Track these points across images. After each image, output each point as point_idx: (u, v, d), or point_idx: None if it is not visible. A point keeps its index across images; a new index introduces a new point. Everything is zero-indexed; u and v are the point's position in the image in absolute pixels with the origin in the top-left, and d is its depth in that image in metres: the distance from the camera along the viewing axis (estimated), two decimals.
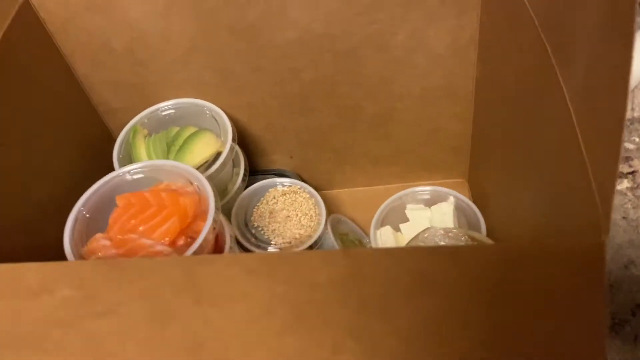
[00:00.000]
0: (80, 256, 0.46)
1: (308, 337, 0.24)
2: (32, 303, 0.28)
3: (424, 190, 0.66)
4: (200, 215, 0.48)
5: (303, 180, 0.70)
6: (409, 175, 0.72)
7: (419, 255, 0.28)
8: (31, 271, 0.30)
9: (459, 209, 0.63)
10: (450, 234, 0.51)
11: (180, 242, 0.47)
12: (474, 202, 0.64)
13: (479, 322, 0.24)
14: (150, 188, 0.51)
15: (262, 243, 0.60)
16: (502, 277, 0.26)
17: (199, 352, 0.24)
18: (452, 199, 0.64)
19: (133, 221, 0.47)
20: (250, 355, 0.24)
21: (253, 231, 0.61)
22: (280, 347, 0.24)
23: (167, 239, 0.46)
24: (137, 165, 0.50)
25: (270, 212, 0.62)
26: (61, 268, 0.31)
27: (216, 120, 0.61)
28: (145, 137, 0.61)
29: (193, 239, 0.47)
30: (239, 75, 0.60)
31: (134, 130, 0.61)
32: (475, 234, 0.51)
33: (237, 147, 0.61)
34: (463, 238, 0.50)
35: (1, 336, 0.26)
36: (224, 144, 0.59)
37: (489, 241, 0.51)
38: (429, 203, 0.65)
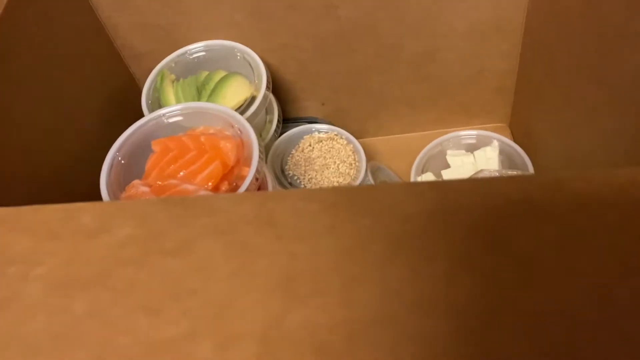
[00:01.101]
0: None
1: (414, 269, 0.21)
2: (92, 243, 0.25)
3: (465, 134, 0.62)
4: (243, 160, 0.45)
5: (334, 126, 0.67)
6: (448, 121, 0.68)
7: (517, 183, 0.25)
8: (85, 210, 0.27)
9: (503, 153, 0.60)
10: (505, 175, 0.48)
11: (224, 187, 0.44)
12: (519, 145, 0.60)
13: (603, 248, 0.21)
14: (187, 132, 0.48)
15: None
16: (615, 202, 0.23)
17: (293, 287, 0.21)
18: (496, 142, 0.60)
19: (172, 166, 0.45)
20: (351, 286, 0.21)
21: (289, 181, 0.59)
22: (384, 279, 0.21)
23: (210, 183, 0.43)
24: (173, 108, 0.47)
25: (307, 160, 0.59)
26: (117, 207, 0.28)
27: (249, 63, 0.57)
28: (173, 82, 0.58)
29: (237, 186, 0.45)
30: (272, 14, 0.56)
31: (161, 75, 0.57)
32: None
33: (270, 94, 0.58)
34: None
35: (65, 276, 0.24)
36: (257, 88, 0.55)
37: None
38: (471, 148, 0.62)
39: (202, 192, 0.42)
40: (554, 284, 0.21)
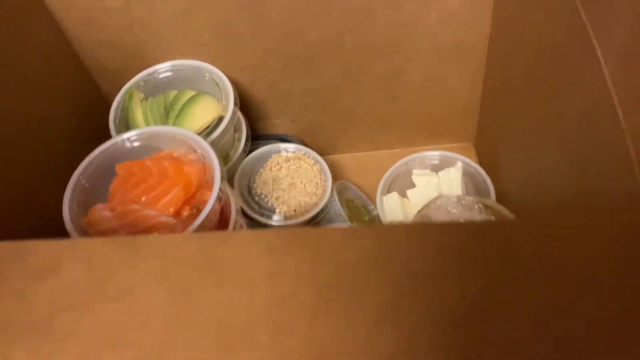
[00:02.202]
0: (80, 228, 0.44)
1: (342, 321, 0.22)
2: (39, 285, 0.26)
3: (431, 155, 0.64)
4: (205, 184, 0.46)
5: (306, 145, 0.68)
6: (414, 139, 0.70)
7: (451, 231, 0.26)
8: (36, 250, 0.28)
9: (466, 174, 0.61)
10: (462, 201, 0.49)
11: (185, 212, 0.45)
12: (482, 166, 0.62)
13: (523, 302, 0.23)
14: (151, 156, 0.49)
15: (265, 211, 0.58)
16: (541, 252, 0.25)
17: (225, 336, 0.22)
18: (459, 164, 0.62)
19: (135, 191, 0.45)
20: (280, 340, 0.22)
21: (256, 199, 0.59)
22: (312, 332, 0.22)
23: (171, 209, 0.44)
24: (136, 132, 0.48)
25: (274, 179, 0.60)
26: (67, 246, 0.29)
27: (216, 83, 0.58)
28: (142, 100, 0.58)
29: (199, 210, 0.46)
30: (240, 35, 0.57)
31: (129, 93, 0.58)
32: (489, 201, 0.50)
33: (239, 112, 0.58)
34: (477, 206, 0.48)
35: (8, 321, 0.24)
36: (225, 108, 0.56)
37: (504, 210, 0.49)
38: (436, 168, 0.63)
39: (163, 218, 0.43)
40: (476, 336, 0.22)
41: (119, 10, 0.54)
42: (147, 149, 0.49)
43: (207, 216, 0.43)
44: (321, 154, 0.70)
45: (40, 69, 0.53)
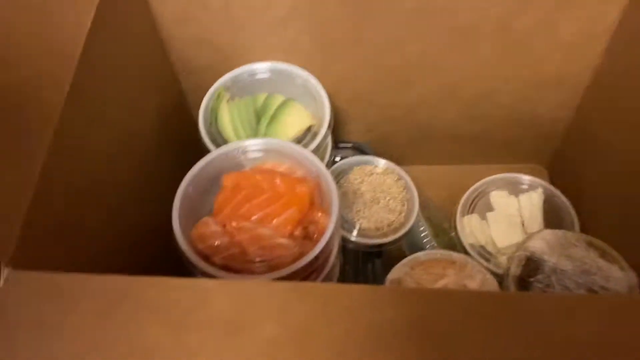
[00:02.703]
0: (188, 240, 0.42)
1: None
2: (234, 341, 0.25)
3: (511, 177, 0.63)
4: (316, 204, 0.45)
5: (376, 154, 0.67)
6: (486, 157, 0.69)
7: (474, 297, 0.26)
8: (216, 292, 0.27)
9: (547, 202, 0.60)
10: (568, 236, 0.48)
11: (297, 232, 0.43)
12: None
13: None
14: (253, 167, 0.47)
15: (345, 224, 0.57)
16: None
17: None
18: (540, 189, 0.61)
19: (246, 206, 0.43)
20: None
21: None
22: None
23: (287, 229, 0.42)
24: (253, 142, 0.46)
25: (354, 192, 0.58)
26: (248, 290, 0.27)
27: (310, 91, 0.56)
28: (228, 101, 0.56)
29: (307, 230, 0.44)
30: (336, 43, 0.55)
31: (218, 93, 0.55)
32: (594, 240, 0.49)
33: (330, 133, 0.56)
34: (582, 243, 0.48)
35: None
36: (317, 120, 0.54)
37: (611, 250, 0.48)
38: (515, 191, 0.62)
39: (281, 240, 0.42)
40: None
41: (219, 9, 0.51)
42: (254, 160, 0.47)
43: (327, 243, 0.41)
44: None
45: (133, 66, 0.50)
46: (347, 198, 0.58)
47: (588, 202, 0.58)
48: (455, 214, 0.61)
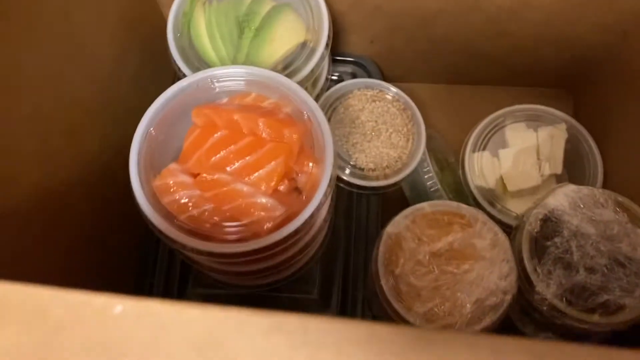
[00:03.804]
0: (150, 193, 0.35)
1: None
2: None
3: (529, 108, 0.54)
4: (306, 149, 0.37)
5: (379, 70, 0.58)
6: (508, 77, 0.60)
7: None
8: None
9: (568, 140, 0.53)
10: (595, 194, 0.41)
11: (282, 187, 0.36)
12: (581, 122, 0.53)
13: None
14: (233, 98, 0.38)
15: (338, 159, 0.49)
16: None
17: None
18: (564, 125, 0.53)
19: (222, 152, 0.35)
20: None
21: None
22: None
23: (271, 184, 0.35)
24: (226, 71, 0.37)
25: (352, 121, 0.50)
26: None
27: None
28: (204, 4, 0.46)
29: (294, 182, 0.37)
30: None
31: None
32: (625, 201, 0.42)
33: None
34: (610, 202, 0.41)
35: None
36: (313, 35, 0.44)
37: None
38: (533, 125, 0.54)
39: (261, 198, 0.34)
40: None
41: None
42: (232, 92, 0.38)
43: (317, 207, 0.34)
44: (394, 80, 0.60)
45: None
46: (343, 127, 0.50)
47: (616, 143, 0.51)
48: (464, 149, 0.53)
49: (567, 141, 0.53)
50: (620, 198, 0.43)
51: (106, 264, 0.46)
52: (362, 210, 0.50)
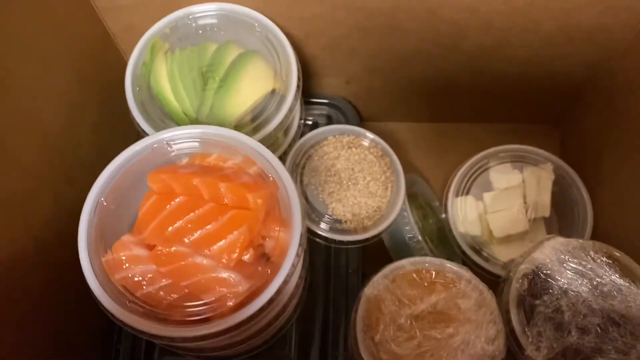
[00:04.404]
0: (100, 270, 0.32)
1: None
2: None
3: (514, 149, 0.52)
4: (272, 213, 0.34)
5: (356, 110, 0.55)
6: (491, 114, 0.58)
7: None
8: None
9: (556, 182, 0.51)
10: (586, 247, 0.39)
11: (247, 257, 0.33)
12: (568, 161, 0.51)
13: None
14: (193, 158, 0.36)
15: (313, 211, 0.46)
16: None
17: None
18: (550, 165, 0.51)
19: (179, 222, 0.33)
20: None
21: (304, 189, 0.47)
22: None
23: (233, 256, 0.32)
24: (182, 132, 0.34)
25: (328, 169, 0.47)
26: None
27: (271, 42, 0.43)
28: (167, 53, 0.43)
29: (260, 247, 0.34)
30: None
31: (152, 44, 0.42)
32: (618, 254, 0.40)
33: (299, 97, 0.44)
34: (603, 259, 0.39)
35: None
36: (280, 78, 0.42)
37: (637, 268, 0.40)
38: (518, 166, 0.52)
39: (224, 273, 0.31)
40: None
41: None
42: (191, 153, 0.35)
43: (286, 277, 0.31)
44: (372, 119, 0.58)
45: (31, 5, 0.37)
46: (318, 175, 0.48)
47: (605, 183, 0.49)
48: (447, 194, 0.51)
49: (555, 182, 0.50)
50: (612, 250, 0.40)
51: (66, 335, 0.43)
52: (341, 264, 0.47)
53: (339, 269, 0.47)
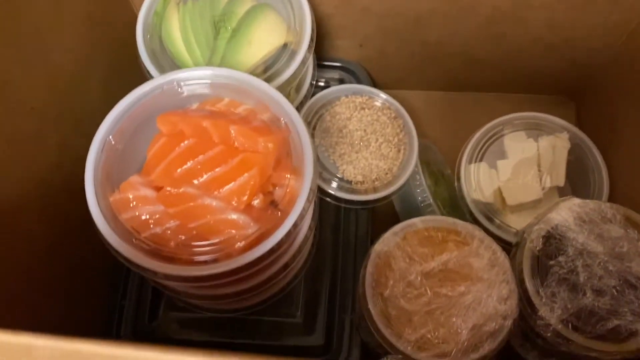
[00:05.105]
0: (107, 209, 0.31)
1: None
2: None
3: (529, 116, 0.51)
4: (284, 160, 0.33)
5: (369, 76, 0.54)
6: (506, 84, 0.56)
7: None
8: None
9: (571, 151, 0.49)
10: (602, 208, 0.38)
11: (256, 202, 0.32)
12: (585, 132, 0.50)
13: None
14: (204, 103, 0.35)
15: (324, 171, 0.45)
16: None
17: None
18: (566, 134, 0.50)
19: (189, 163, 0.32)
20: None
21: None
22: None
23: (243, 199, 0.31)
24: (194, 73, 0.33)
25: (340, 130, 0.47)
26: None
27: None
28: (179, 4, 0.42)
29: (271, 196, 0.33)
30: None
31: None
32: (635, 216, 0.39)
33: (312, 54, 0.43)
34: (618, 217, 0.38)
35: None
36: (295, 37, 0.41)
37: None
38: (533, 134, 0.51)
39: (232, 214, 0.31)
40: None
41: None
42: (202, 97, 0.35)
43: (296, 219, 0.31)
44: (385, 87, 0.57)
45: None
46: (330, 136, 0.47)
47: (622, 153, 0.47)
48: (460, 160, 0.50)
49: (570, 151, 0.49)
50: (630, 213, 0.39)
51: (72, 287, 0.42)
52: (351, 226, 0.46)
53: (347, 231, 0.46)
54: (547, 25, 0.47)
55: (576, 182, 0.50)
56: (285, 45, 0.41)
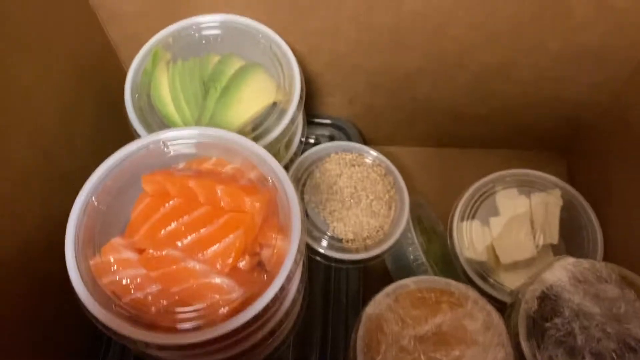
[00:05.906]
0: (87, 273, 0.30)
1: None
2: None
3: (521, 173, 0.51)
4: (270, 219, 0.32)
5: (359, 132, 0.54)
6: (496, 140, 0.57)
7: None
8: None
9: (564, 208, 0.49)
10: (597, 267, 0.37)
11: (242, 264, 0.31)
12: (575, 186, 0.50)
13: None
14: (190, 163, 0.34)
15: (314, 229, 0.45)
16: None
17: None
18: (558, 191, 0.49)
19: (173, 224, 0.31)
20: None
21: (304, 207, 0.46)
22: None
23: (228, 262, 0.30)
24: (180, 133, 0.33)
25: (330, 186, 0.46)
26: None
27: (276, 55, 0.42)
28: (169, 63, 0.42)
29: (256, 255, 0.32)
30: None
31: (154, 52, 0.42)
32: (630, 275, 0.38)
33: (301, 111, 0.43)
34: (613, 277, 0.37)
35: None
36: (282, 90, 0.41)
37: None
38: (525, 191, 0.50)
39: (216, 279, 0.30)
40: None
41: None
42: (189, 155, 0.34)
43: (284, 281, 0.30)
44: (375, 143, 0.57)
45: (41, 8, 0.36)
46: (320, 193, 0.46)
47: (615, 210, 0.47)
48: (452, 218, 0.49)
49: (563, 208, 0.49)
50: (625, 272, 0.38)
51: (51, 352, 0.40)
52: (341, 285, 0.45)
53: (338, 292, 0.45)
54: (534, 82, 0.48)
55: (570, 240, 0.49)
56: (274, 104, 0.41)
